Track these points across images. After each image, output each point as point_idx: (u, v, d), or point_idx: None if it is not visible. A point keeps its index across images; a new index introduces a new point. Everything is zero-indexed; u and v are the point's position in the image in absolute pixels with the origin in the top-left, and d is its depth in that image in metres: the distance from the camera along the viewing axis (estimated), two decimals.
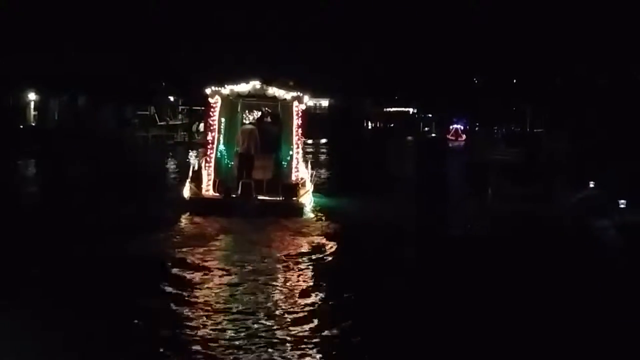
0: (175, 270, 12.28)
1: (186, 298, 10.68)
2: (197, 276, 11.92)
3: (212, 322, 9.55)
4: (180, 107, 66.40)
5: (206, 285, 11.41)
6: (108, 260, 12.76)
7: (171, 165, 38.93)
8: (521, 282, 12.39)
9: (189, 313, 9.95)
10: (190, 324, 9.51)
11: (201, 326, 9.38)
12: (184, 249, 13.94)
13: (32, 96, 51.17)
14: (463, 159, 50.74)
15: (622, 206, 18.59)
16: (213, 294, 10.95)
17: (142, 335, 9.07)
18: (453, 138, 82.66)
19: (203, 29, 54.97)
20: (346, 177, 29.87)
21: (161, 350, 8.56)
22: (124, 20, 49.33)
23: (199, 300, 10.58)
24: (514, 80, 56.85)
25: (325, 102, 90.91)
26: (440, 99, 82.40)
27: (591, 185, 23.82)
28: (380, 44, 70.38)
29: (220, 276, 12.01)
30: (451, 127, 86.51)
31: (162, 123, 60.74)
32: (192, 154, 45.13)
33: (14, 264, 12.38)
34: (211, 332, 9.20)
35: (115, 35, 48.71)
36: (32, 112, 52.18)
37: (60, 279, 11.54)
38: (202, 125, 62.31)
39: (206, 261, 13.01)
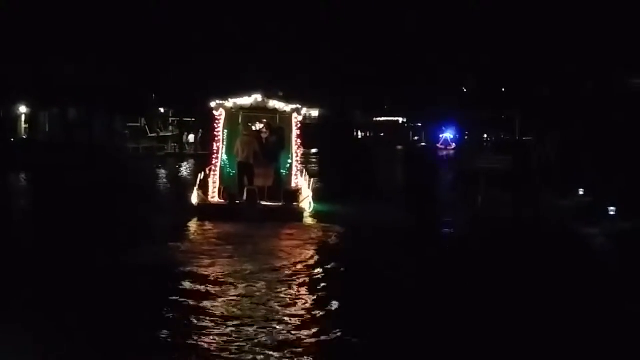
0: (191, 272, 13.29)
1: (204, 295, 11.60)
2: (212, 276, 12.90)
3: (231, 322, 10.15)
4: (170, 119, 66.44)
5: (222, 289, 12.10)
6: (131, 265, 13.61)
7: (167, 175, 39.82)
8: (509, 290, 12.50)
9: (209, 311, 10.67)
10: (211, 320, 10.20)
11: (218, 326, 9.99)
12: (200, 251, 15.42)
13: (23, 109, 51.18)
14: (452, 167, 51.01)
15: (611, 213, 18.72)
16: (229, 297, 11.61)
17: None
18: (443, 147, 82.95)
19: (195, 39, 55.02)
20: (339, 185, 30.23)
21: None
22: (116, 31, 49.37)
23: (217, 297, 11.54)
24: (503, 89, 57.06)
25: (315, 113, 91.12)
26: (430, 107, 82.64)
27: (581, 192, 23.95)
28: (370, 53, 70.58)
29: (233, 279, 12.78)
30: (441, 136, 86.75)
31: (152, 135, 60.81)
32: (184, 166, 45.55)
33: (24, 273, 12.75)
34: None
35: (107, 47, 48.74)
36: (23, 125, 52.20)
37: (75, 288, 11.82)
38: (191, 136, 62.62)
39: (218, 264, 14.01)
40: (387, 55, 71.43)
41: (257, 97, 21.06)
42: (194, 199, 20.19)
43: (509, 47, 45.63)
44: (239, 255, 14.94)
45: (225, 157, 21.43)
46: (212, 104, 21.20)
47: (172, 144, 60.85)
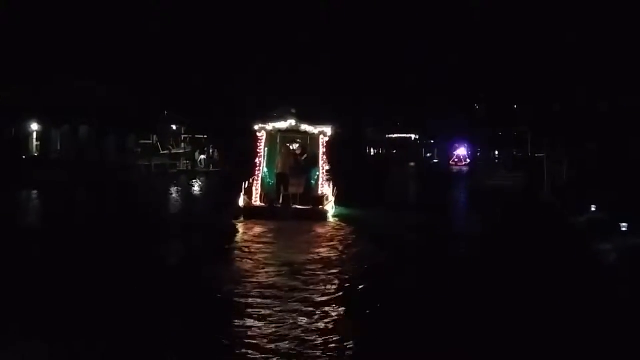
0: (240, 254, 17.68)
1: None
2: (257, 254, 17.56)
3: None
4: (183, 136, 66.37)
5: (265, 264, 16.33)
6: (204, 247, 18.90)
7: (195, 189, 42.92)
8: (519, 306, 12.41)
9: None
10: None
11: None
12: (241, 240, 20.08)
13: (34, 126, 51.35)
14: (464, 184, 50.97)
15: (623, 229, 18.55)
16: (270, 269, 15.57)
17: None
18: (454, 163, 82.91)
19: (208, 55, 55.25)
20: (356, 195, 31.63)
21: None
22: (127, 48, 49.65)
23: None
24: (515, 106, 57.05)
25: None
26: (442, 125, 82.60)
27: (593, 208, 23.78)
28: (383, 70, 70.66)
29: (272, 258, 17.03)
30: (454, 153, 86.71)
31: (164, 152, 60.62)
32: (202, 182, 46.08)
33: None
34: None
35: (119, 64, 49.01)
36: (35, 143, 52.35)
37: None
38: (203, 154, 62.58)
39: (260, 248, 18.45)
40: (400, 73, 71.50)
41: (291, 122, 25.95)
42: (240, 202, 24.79)
43: (521, 65, 45.61)
44: (278, 240, 19.85)
45: (265, 169, 26.10)
46: (256, 127, 25.86)
47: (185, 161, 60.73)
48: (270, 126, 26.07)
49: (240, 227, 22.37)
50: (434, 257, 18.31)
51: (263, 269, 15.41)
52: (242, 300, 12.47)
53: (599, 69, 34.84)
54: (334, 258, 17.26)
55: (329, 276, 14.81)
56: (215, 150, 64.19)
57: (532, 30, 42.71)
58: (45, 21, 46.40)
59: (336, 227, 22.94)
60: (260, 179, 25.76)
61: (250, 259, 16.67)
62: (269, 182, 26.16)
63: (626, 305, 12.67)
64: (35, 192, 34.79)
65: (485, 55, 53.74)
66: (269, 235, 20.86)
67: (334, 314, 11.80)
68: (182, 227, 23.49)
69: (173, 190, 40.41)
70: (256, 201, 25.32)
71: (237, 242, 19.70)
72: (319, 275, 14.89)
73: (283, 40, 59.19)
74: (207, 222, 24.10)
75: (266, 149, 26.21)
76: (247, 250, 18.08)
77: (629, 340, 10.52)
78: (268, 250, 18.13)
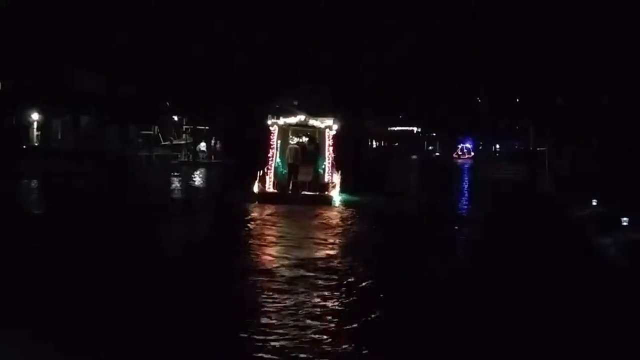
0: (255, 229, 20.81)
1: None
2: (269, 228, 20.73)
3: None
4: (184, 127, 66.26)
5: (274, 236, 19.40)
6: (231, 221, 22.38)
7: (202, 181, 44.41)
8: (520, 299, 12.33)
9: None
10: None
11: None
12: (260, 218, 23.21)
13: (35, 116, 51.16)
14: (463, 176, 51.04)
15: (624, 224, 18.48)
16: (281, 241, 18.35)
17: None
18: (456, 156, 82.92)
19: (209, 48, 55.18)
20: (359, 183, 32.94)
21: None
22: (129, 38, 49.57)
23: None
24: (517, 100, 56.88)
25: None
26: (444, 118, 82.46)
27: (594, 202, 23.74)
28: (385, 62, 70.45)
29: (283, 233, 19.72)
30: (458, 145, 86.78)
31: (165, 142, 60.53)
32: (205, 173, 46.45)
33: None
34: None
35: (120, 54, 48.91)
36: (35, 132, 52.18)
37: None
38: (203, 144, 62.51)
39: (273, 226, 21.28)
40: (402, 66, 71.31)
41: (301, 117, 29.03)
42: (255, 188, 27.38)
43: (523, 58, 45.48)
44: (288, 219, 22.82)
45: (278, 160, 28.58)
46: (269, 121, 28.31)
47: (186, 152, 60.74)
48: (281, 121, 28.67)
49: (256, 209, 25.18)
50: (434, 245, 18.76)
51: (275, 247, 17.39)
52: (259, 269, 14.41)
53: (601, 61, 34.66)
54: (332, 238, 19.40)
55: (330, 256, 16.17)
56: (218, 141, 64.14)
57: (534, 23, 42.54)
58: (46, 10, 46.21)
59: (340, 211, 25.80)
60: (273, 168, 28.18)
61: (264, 237, 19.04)
62: (282, 171, 28.79)
63: (626, 299, 12.59)
64: (36, 182, 34.69)
65: (487, 47, 53.51)
66: (281, 217, 23.33)
67: (333, 292, 12.56)
68: (207, 210, 26.58)
69: (184, 180, 42.00)
70: (269, 188, 27.74)
71: (255, 221, 22.51)
72: (322, 255, 16.29)
73: (283, 33, 58.98)
74: (229, 205, 26.98)
75: (278, 141, 28.68)
76: (262, 228, 20.71)
77: (629, 333, 10.44)
78: (280, 230, 20.45)
